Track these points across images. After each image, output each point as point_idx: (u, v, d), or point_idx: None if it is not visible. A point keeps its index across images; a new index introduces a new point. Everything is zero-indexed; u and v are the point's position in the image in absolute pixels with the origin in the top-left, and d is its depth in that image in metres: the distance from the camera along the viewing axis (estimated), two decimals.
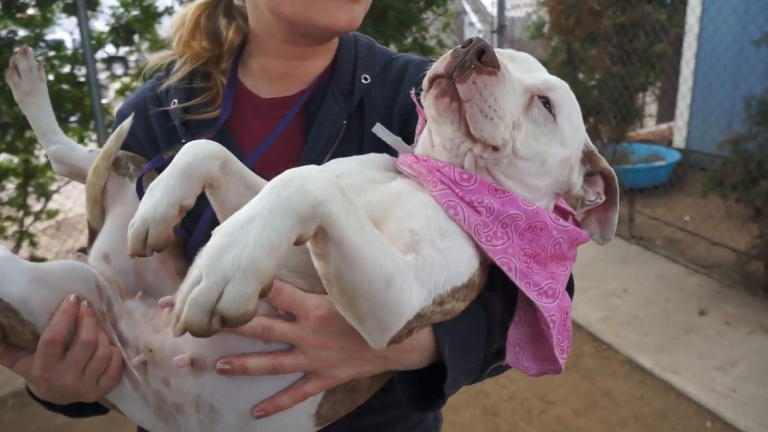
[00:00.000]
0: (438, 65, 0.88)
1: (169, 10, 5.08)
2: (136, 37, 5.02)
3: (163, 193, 0.85)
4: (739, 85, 6.12)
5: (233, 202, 0.95)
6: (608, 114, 6.46)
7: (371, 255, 0.72)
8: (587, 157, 1.02)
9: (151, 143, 1.22)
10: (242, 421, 0.89)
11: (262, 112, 1.22)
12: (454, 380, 0.93)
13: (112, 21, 4.89)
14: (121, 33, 4.97)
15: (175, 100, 1.21)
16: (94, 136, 4.85)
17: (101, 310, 0.97)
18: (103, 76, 4.98)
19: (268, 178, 1.09)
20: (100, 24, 4.95)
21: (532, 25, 8.46)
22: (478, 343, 0.97)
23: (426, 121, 0.99)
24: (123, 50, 5.18)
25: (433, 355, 0.94)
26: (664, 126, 8.99)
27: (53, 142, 1.21)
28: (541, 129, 0.92)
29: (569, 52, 6.80)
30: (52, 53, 4.61)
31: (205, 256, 0.66)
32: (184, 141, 1.12)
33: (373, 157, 1.07)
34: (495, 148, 0.88)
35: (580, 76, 6.81)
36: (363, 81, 1.20)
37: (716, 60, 6.79)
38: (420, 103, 0.97)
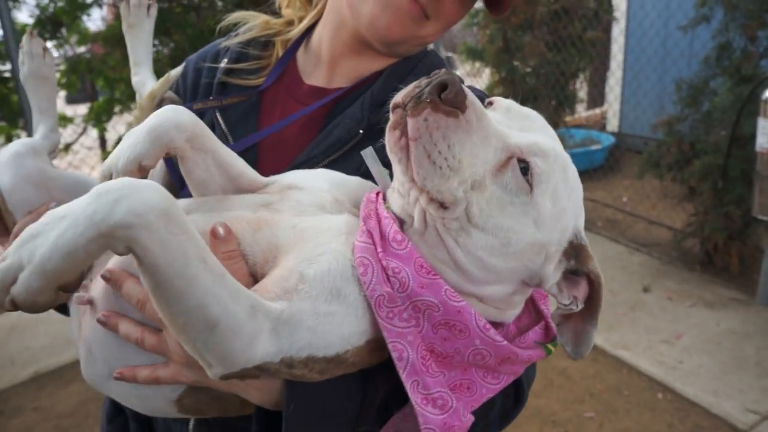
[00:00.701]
0: (400, 93, 0.76)
1: (98, 1, 4.86)
2: (63, 30, 4.79)
3: (128, 147, 0.84)
4: (668, 69, 6.37)
5: (200, 177, 0.92)
6: (545, 100, 6.61)
7: (191, 295, 0.67)
8: (574, 251, 0.82)
9: (192, 93, 1.26)
10: (109, 375, 0.89)
11: (298, 96, 1.19)
12: None
13: (37, 12, 4.64)
14: (48, 25, 4.73)
15: (225, 60, 1.24)
16: (24, 135, 4.61)
17: None
18: None
19: (270, 161, 1.05)
20: (24, 16, 4.70)
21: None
22: (340, 418, 0.85)
23: None
24: (50, 44, 4.93)
25: (281, 404, 0.85)
26: (597, 111, 9.27)
27: (136, 74, 1.35)
28: (510, 198, 0.75)
29: (505, 39, 6.90)
30: None
31: (21, 234, 0.66)
32: (212, 98, 1.19)
33: (352, 181, 0.99)
34: (443, 205, 0.74)
35: (516, 63, 6.93)
36: None
37: (646, 45, 7.05)
38: None
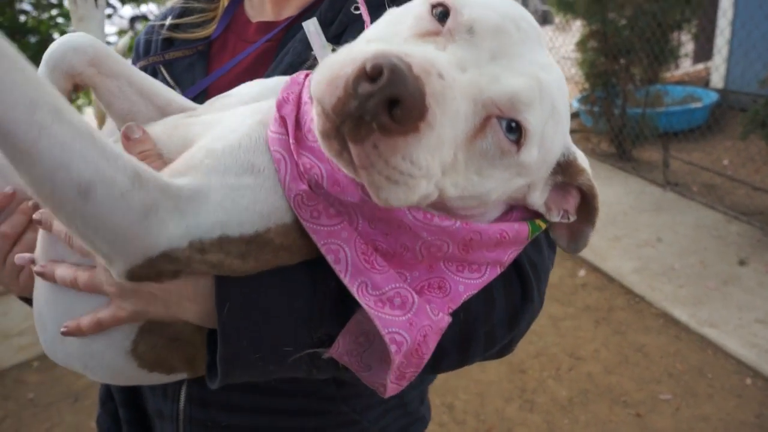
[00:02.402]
0: (322, 87, 0.55)
1: None
2: None
3: None
4: None
5: (122, 108, 0.87)
6: (640, 54, 6.09)
7: (45, 151, 0.57)
8: (562, 168, 0.75)
9: (145, 55, 1.22)
10: (61, 337, 0.84)
11: (246, 36, 1.15)
12: (238, 355, 0.73)
13: None
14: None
15: (170, 17, 1.21)
16: None
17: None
18: None
19: None
20: None
21: None
22: (288, 319, 0.73)
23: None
24: None
25: None
26: (701, 66, 8.53)
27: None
28: (490, 162, 0.65)
29: None
30: None
31: None
32: (159, 53, 1.14)
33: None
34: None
35: (610, 14, 6.42)
36: (353, 11, 1.01)
37: None
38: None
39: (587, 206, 0.79)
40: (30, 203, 0.92)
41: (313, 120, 0.59)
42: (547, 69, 0.66)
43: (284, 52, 1.03)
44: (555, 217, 0.78)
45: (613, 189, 5.70)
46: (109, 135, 1.06)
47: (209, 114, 0.83)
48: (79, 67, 0.81)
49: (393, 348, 0.67)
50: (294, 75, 0.79)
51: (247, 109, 0.78)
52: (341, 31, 1.01)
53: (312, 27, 0.81)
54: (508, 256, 0.77)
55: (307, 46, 0.97)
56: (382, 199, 0.58)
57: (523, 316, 0.86)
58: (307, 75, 0.79)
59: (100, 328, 0.80)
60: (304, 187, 0.68)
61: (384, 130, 0.52)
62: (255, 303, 0.73)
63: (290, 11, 1.12)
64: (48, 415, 3.34)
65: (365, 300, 0.68)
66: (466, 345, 0.80)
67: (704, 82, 7.80)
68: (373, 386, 0.77)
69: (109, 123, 1.11)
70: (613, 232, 4.92)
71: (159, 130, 0.80)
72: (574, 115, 7.53)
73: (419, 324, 0.69)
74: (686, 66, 8.85)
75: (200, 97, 1.04)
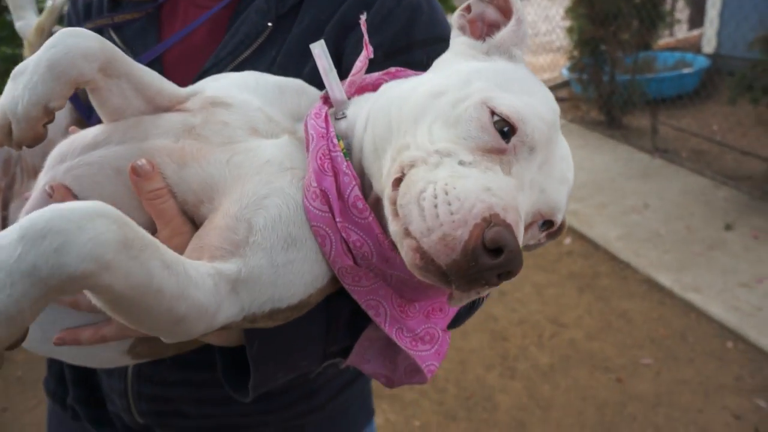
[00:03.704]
0: (433, 242, 0.60)
1: None
2: None
3: (25, 89, 0.71)
4: None
5: (115, 105, 0.80)
6: (629, 20, 5.99)
7: (158, 305, 0.60)
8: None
9: (86, 15, 1.15)
10: (43, 337, 0.84)
11: (199, 1, 1.08)
12: (264, 378, 0.83)
13: None
14: None
15: None
16: None
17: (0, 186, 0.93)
18: None
19: (178, 73, 0.95)
20: None
21: None
22: (308, 344, 0.84)
23: (367, 61, 0.82)
24: None
25: (241, 341, 0.84)
26: (696, 32, 8.42)
27: (21, 18, 1.24)
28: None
29: None
30: None
31: None
32: (107, 15, 1.08)
33: (288, 85, 0.88)
34: None
35: None
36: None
37: None
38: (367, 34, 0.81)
39: (557, 231, 0.87)
40: None
41: (404, 252, 0.63)
42: (567, 159, 0.74)
43: (240, 21, 0.99)
44: (531, 242, 0.84)
45: (601, 157, 5.65)
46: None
47: (216, 140, 0.77)
48: (89, 75, 0.74)
49: (429, 375, 0.82)
50: (314, 111, 0.80)
51: (270, 163, 0.75)
52: (299, 1, 0.98)
53: (318, 49, 0.81)
54: None
55: (264, 16, 0.98)
56: (455, 303, 0.69)
57: (480, 301, 0.96)
58: (326, 113, 0.79)
59: (102, 341, 0.80)
60: (350, 263, 0.73)
61: (490, 285, 0.61)
62: (279, 336, 0.80)
63: None
64: (35, 393, 3.34)
65: (403, 342, 0.79)
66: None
67: (697, 48, 7.70)
68: (374, 376, 0.90)
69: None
70: (599, 199, 4.88)
71: (165, 156, 0.76)
72: (565, 84, 7.45)
73: (442, 350, 0.83)
74: (683, 31, 8.74)
75: (155, 64, 0.99)
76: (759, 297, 3.54)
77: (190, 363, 1.00)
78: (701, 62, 6.83)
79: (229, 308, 0.68)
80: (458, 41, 0.81)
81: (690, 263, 3.94)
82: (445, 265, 0.59)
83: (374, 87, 0.84)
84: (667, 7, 6.62)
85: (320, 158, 0.74)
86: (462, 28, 0.81)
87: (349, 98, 0.83)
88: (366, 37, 0.81)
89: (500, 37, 0.78)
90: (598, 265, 4.09)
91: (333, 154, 0.74)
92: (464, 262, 0.58)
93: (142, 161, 0.73)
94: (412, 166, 0.65)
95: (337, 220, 0.72)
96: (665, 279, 3.82)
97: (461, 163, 0.64)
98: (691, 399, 2.96)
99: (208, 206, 0.74)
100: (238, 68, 0.94)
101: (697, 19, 8.39)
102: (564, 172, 0.73)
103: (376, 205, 0.73)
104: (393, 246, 0.69)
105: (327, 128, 0.76)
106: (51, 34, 1.10)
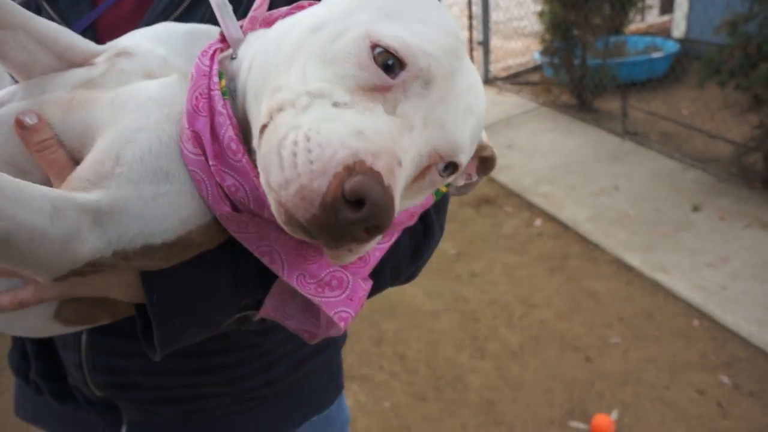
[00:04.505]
0: (290, 195, 0.54)
1: None
2: None
3: None
4: None
5: (18, 59, 0.76)
6: (599, 2, 6.01)
7: None
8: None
9: None
10: None
11: None
12: (173, 333, 0.78)
13: None
14: None
15: None
16: None
17: None
18: None
19: (114, 36, 0.90)
20: None
21: None
22: (215, 295, 0.78)
23: None
24: None
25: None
26: (666, 18, 8.49)
27: None
28: (423, 192, 0.71)
29: None
30: None
31: None
32: None
33: (202, 31, 0.83)
34: None
35: None
36: None
37: None
38: None
39: (486, 166, 0.83)
40: None
41: (273, 208, 0.57)
42: (474, 88, 0.67)
43: None
44: (461, 182, 0.82)
45: (572, 139, 5.68)
46: None
47: (108, 89, 0.74)
48: None
49: (342, 324, 0.74)
50: (201, 52, 0.73)
51: (150, 99, 0.71)
52: None
53: None
54: (415, 218, 0.82)
55: None
56: (335, 262, 0.65)
57: (426, 248, 0.95)
58: (214, 51, 0.73)
59: (22, 306, 0.77)
60: (227, 209, 0.68)
61: (359, 241, 0.56)
62: (182, 288, 0.75)
63: None
64: (2, 378, 3.27)
65: (306, 290, 0.72)
66: (373, 279, 0.82)
67: (667, 33, 7.77)
68: (297, 332, 0.82)
69: None
70: (570, 181, 4.91)
71: (53, 107, 0.73)
72: (537, 68, 7.47)
73: (356, 296, 0.75)
74: (654, 16, 8.81)
75: (88, 32, 0.96)
76: (724, 276, 3.60)
77: None
78: (671, 47, 6.88)
79: (93, 240, 0.65)
80: None
81: (658, 244, 3.99)
82: (304, 221, 0.54)
83: None
84: None
85: (196, 98, 0.69)
86: None
87: None
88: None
89: None
90: (568, 247, 4.12)
91: (212, 92, 0.69)
92: (323, 216, 0.53)
93: (28, 114, 0.70)
94: (280, 110, 0.59)
95: (211, 163, 0.67)
96: (633, 259, 3.86)
97: (335, 104, 0.58)
98: (657, 376, 3.00)
99: (90, 148, 0.71)
100: None
101: (667, 6, 8.46)
102: (470, 103, 0.65)
103: None
104: None
105: (210, 66, 0.71)
106: None
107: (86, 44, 0.80)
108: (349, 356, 3.16)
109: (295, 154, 0.53)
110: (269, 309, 0.79)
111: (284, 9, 0.79)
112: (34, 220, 0.60)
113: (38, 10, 1.02)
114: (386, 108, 0.59)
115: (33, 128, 0.69)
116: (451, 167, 0.66)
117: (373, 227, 0.54)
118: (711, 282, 3.56)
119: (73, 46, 0.79)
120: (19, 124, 0.69)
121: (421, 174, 0.65)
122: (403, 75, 0.60)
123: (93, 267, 0.67)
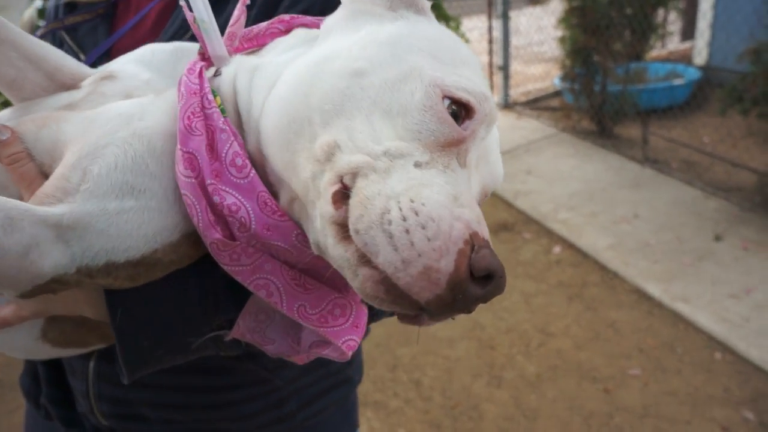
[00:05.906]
0: (411, 278, 0.50)
1: None
2: None
3: None
4: None
5: (8, 76, 0.81)
6: (620, 30, 6.00)
7: None
8: None
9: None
10: None
11: None
12: (141, 355, 0.75)
13: None
14: None
15: None
16: None
17: None
18: None
19: None
20: None
21: None
22: (182, 314, 0.75)
23: (245, 8, 0.75)
24: None
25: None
26: (688, 44, 8.45)
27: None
28: None
29: None
30: None
31: None
32: (59, 19, 1.07)
33: (186, 48, 0.85)
34: None
35: None
36: None
37: None
38: None
39: None
40: None
41: (356, 281, 0.55)
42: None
43: (175, 14, 0.98)
44: None
45: (592, 166, 5.63)
46: None
47: (84, 110, 0.76)
48: None
49: (350, 352, 0.71)
50: (188, 67, 0.73)
51: (120, 115, 0.71)
52: None
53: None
54: None
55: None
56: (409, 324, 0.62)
57: None
58: (201, 68, 0.72)
59: (6, 324, 0.78)
60: (218, 236, 0.64)
61: (468, 312, 0.54)
62: (146, 306, 0.74)
63: None
64: (14, 396, 3.28)
65: (309, 321, 0.68)
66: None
67: (689, 60, 7.73)
68: (280, 357, 0.78)
69: None
70: (589, 208, 4.86)
71: (30, 123, 0.74)
72: (557, 93, 7.46)
73: (361, 323, 0.72)
74: (675, 43, 8.78)
75: (103, 59, 0.98)
76: (748, 308, 3.52)
77: None
78: (692, 74, 6.84)
79: (56, 256, 0.64)
80: None
81: (679, 273, 3.92)
82: (425, 301, 0.50)
83: (263, 40, 0.77)
84: (659, 19, 6.63)
85: (188, 117, 0.66)
86: None
87: (231, 53, 0.76)
88: None
89: None
90: (587, 275, 4.06)
91: (208, 111, 0.67)
92: (449, 296, 0.50)
93: (2, 128, 0.72)
94: (356, 175, 0.55)
95: (209, 182, 0.64)
96: (654, 289, 3.79)
97: (417, 165, 0.55)
98: (678, 410, 2.93)
99: (59, 163, 0.71)
100: None
101: (688, 31, 8.43)
102: (495, 134, 0.66)
103: (290, 205, 0.66)
104: (282, 212, 0.64)
105: (201, 84, 0.69)
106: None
107: (77, 66, 0.83)
108: (363, 382, 3.12)
109: (407, 231, 0.50)
110: (244, 330, 0.75)
111: (263, 25, 0.79)
112: None
113: (60, 44, 1.06)
114: (459, 161, 0.58)
115: (5, 142, 0.71)
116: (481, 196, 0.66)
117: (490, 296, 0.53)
118: (734, 314, 3.48)
119: (64, 67, 0.82)
120: None
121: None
122: (473, 124, 0.59)
123: (60, 284, 0.67)
